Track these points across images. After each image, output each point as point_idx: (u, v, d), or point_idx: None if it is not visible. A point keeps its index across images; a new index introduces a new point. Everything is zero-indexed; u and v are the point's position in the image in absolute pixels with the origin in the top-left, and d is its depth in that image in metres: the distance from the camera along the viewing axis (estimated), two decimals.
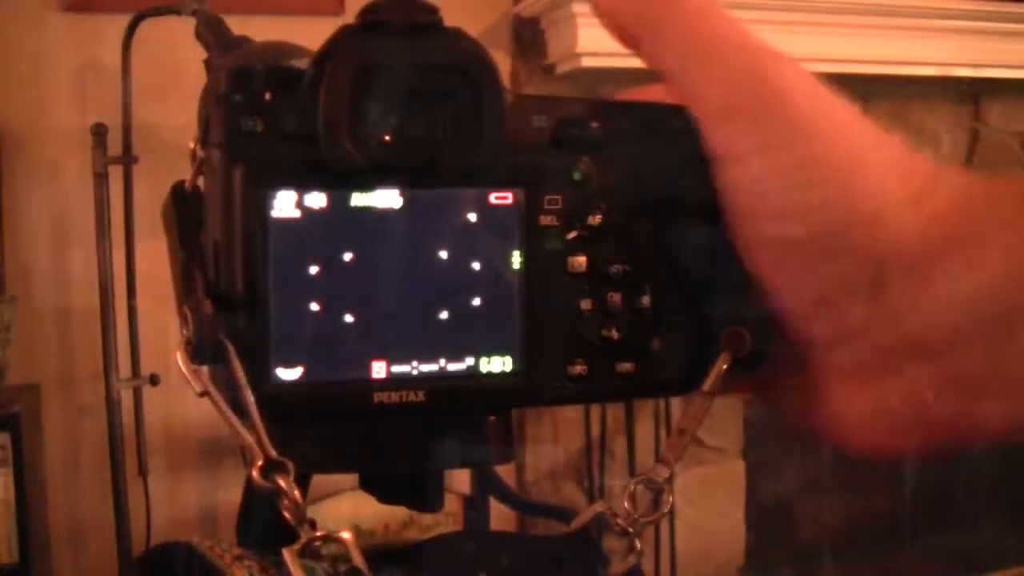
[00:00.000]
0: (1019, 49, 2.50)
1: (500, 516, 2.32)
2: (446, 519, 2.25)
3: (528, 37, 2.24)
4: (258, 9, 1.82)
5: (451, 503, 2.25)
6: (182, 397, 1.80)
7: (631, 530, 0.31)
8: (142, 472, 1.92)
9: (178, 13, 1.67)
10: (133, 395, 1.91)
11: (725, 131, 0.28)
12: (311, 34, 0.36)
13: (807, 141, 0.27)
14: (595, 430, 2.33)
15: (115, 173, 1.84)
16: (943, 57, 2.43)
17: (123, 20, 1.82)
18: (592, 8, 0.30)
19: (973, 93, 2.67)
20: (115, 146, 1.83)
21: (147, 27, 1.80)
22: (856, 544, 2.92)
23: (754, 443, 2.66)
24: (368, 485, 0.32)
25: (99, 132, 1.80)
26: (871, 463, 2.52)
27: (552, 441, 2.43)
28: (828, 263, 0.27)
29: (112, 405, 1.85)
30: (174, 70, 1.63)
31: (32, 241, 2.00)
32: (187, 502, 2.06)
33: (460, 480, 2.25)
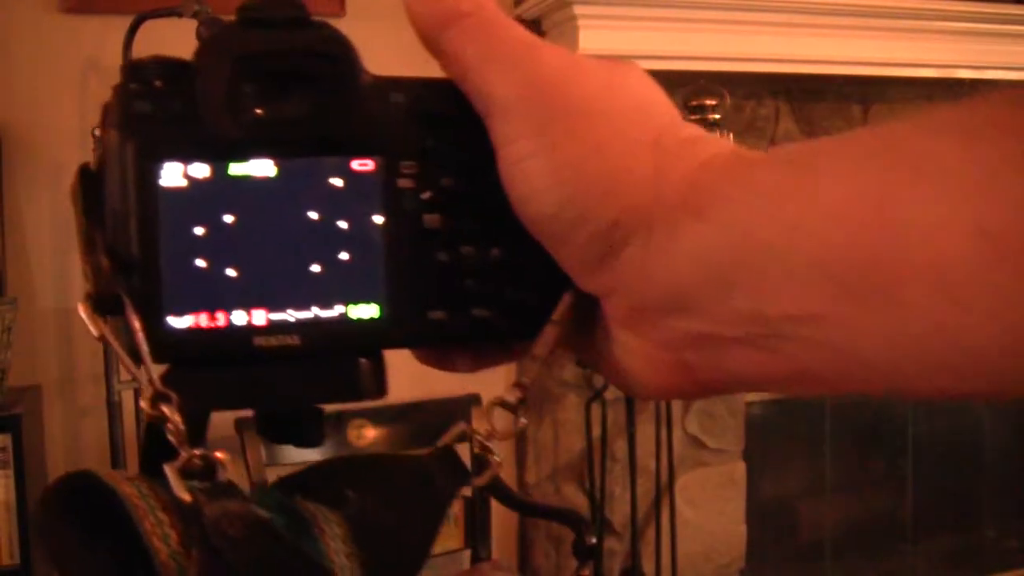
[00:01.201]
0: (1020, 51, 2.50)
1: (501, 516, 2.32)
2: (447, 520, 2.25)
3: None
4: None
5: (453, 504, 2.25)
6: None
7: (489, 445, 0.35)
8: None
9: (179, 15, 1.68)
10: (134, 396, 1.91)
11: (501, 121, 0.32)
12: None
13: (565, 131, 0.31)
14: (596, 431, 2.33)
15: None
16: (944, 59, 2.44)
17: (124, 21, 1.82)
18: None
19: (974, 94, 2.67)
20: None
21: (148, 28, 1.80)
22: (857, 545, 2.92)
23: (755, 444, 2.66)
24: (261, 429, 0.36)
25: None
26: (864, 464, 2.50)
27: (553, 442, 2.43)
28: (578, 232, 0.31)
29: (113, 407, 1.86)
30: None
31: (33, 243, 2.00)
32: None
33: None
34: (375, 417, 2.06)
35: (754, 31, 2.27)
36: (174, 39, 1.50)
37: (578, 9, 2.10)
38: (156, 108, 0.32)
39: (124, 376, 1.86)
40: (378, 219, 0.34)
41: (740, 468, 2.63)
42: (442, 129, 0.34)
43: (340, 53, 0.33)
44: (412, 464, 0.36)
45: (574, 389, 2.39)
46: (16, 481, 1.74)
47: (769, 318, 0.28)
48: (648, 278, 0.30)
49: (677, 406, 2.47)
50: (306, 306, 0.34)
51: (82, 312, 0.32)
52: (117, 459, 1.84)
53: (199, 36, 1.45)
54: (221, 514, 0.29)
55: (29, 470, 1.78)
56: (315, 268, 0.34)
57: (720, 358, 0.30)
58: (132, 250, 0.32)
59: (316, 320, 0.34)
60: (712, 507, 2.58)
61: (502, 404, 0.35)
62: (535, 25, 2.26)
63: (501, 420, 0.35)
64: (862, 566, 2.93)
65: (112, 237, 0.33)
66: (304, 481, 0.34)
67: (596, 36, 2.12)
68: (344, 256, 0.34)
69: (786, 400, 2.76)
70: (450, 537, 2.23)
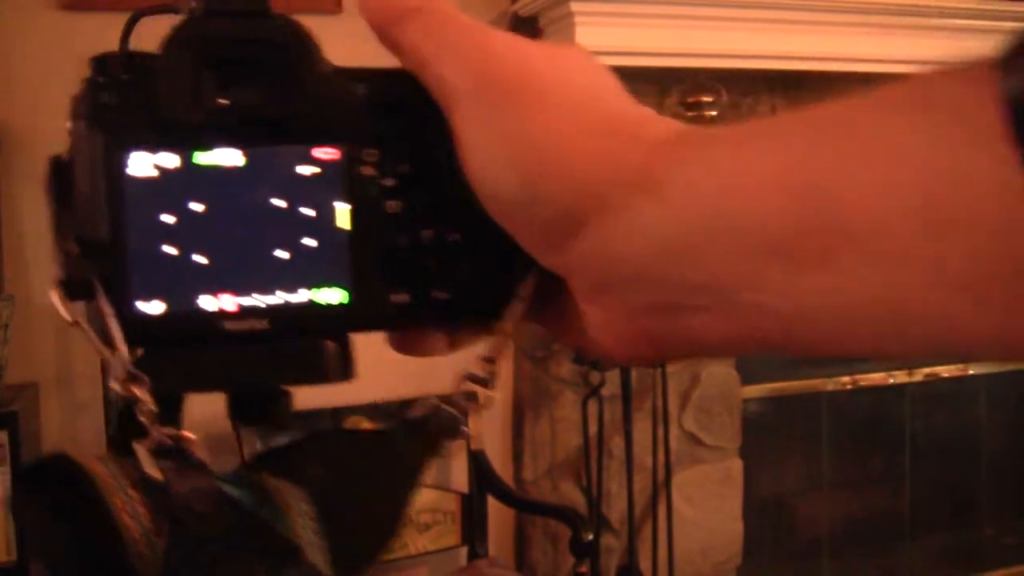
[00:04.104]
0: None
1: (498, 513, 2.33)
2: (444, 518, 2.25)
3: (526, 35, 2.24)
4: None
5: (449, 501, 2.25)
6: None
7: (461, 418, 0.36)
8: None
9: (176, 12, 1.68)
10: None
11: (459, 109, 0.33)
12: None
13: (519, 116, 0.32)
14: (592, 428, 2.34)
15: None
16: (943, 56, 2.42)
17: (122, 18, 1.81)
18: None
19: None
20: None
21: (145, 26, 1.80)
22: (854, 542, 2.93)
23: (752, 441, 2.66)
24: (232, 412, 0.37)
25: None
26: (863, 462, 2.51)
27: (550, 439, 2.43)
28: (535, 215, 0.32)
29: (109, 404, 1.85)
30: None
31: (31, 240, 2.00)
32: None
33: (458, 479, 2.25)
34: (371, 413, 2.06)
35: (751, 28, 2.27)
36: None
37: (575, 6, 2.10)
38: (122, 99, 0.34)
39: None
40: (342, 206, 0.35)
41: (737, 465, 2.63)
42: (401, 117, 0.35)
43: (295, 42, 0.34)
44: (378, 438, 0.37)
45: (571, 386, 2.40)
46: (12, 478, 1.74)
47: (721, 286, 0.29)
48: (607, 257, 0.31)
49: (674, 403, 2.47)
50: (274, 291, 0.34)
51: (54, 297, 0.32)
52: None
53: None
54: (189, 491, 0.30)
55: None
56: (282, 254, 0.34)
57: (680, 326, 0.31)
58: (102, 237, 0.33)
59: (284, 305, 0.34)
60: (709, 504, 2.58)
61: (471, 377, 0.36)
62: (531, 22, 2.26)
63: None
64: (859, 563, 2.93)
65: (82, 225, 0.33)
66: (272, 459, 0.35)
67: (593, 33, 2.12)
68: (310, 242, 0.35)
69: (783, 397, 2.77)
70: (447, 534, 2.24)
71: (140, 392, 0.32)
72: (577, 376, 2.39)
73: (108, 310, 0.32)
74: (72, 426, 2.03)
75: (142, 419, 0.31)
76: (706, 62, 2.26)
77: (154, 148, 0.33)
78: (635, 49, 2.11)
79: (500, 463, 2.38)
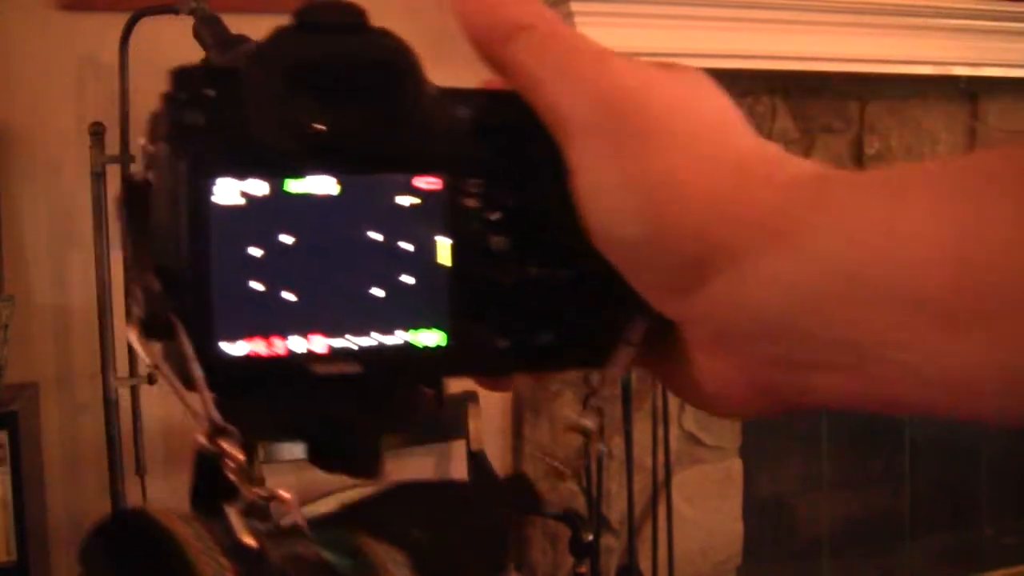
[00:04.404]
0: (1018, 48, 2.50)
1: None
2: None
3: None
4: (256, 8, 1.82)
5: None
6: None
7: (565, 471, 0.33)
8: (139, 471, 1.92)
9: (176, 12, 1.68)
10: (131, 394, 1.91)
11: (577, 142, 0.30)
12: None
13: (645, 155, 0.29)
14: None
15: (113, 172, 1.84)
16: (941, 56, 2.44)
17: (121, 19, 1.82)
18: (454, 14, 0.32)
19: (971, 92, 2.67)
20: (113, 145, 1.83)
21: (145, 26, 1.80)
22: (854, 542, 2.93)
23: (752, 441, 2.66)
24: (313, 456, 0.34)
25: (97, 131, 1.80)
26: (865, 462, 2.50)
27: (550, 439, 2.43)
28: (658, 261, 0.30)
29: (110, 404, 1.85)
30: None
31: (31, 240, 2.00)
32: (184, 500, 2.05)
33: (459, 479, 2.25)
34: None
35: (751, 28, 2.27)
36: (171, 36, 1.50)
37: (575, 6, 2.10)
38: (208, 119, 0.30)
39: (121, 373, 1.86)
40: (443, 240, 0.32)
41: (737, 465, 2.63)
42: (508, 144, 0.33)
43: (401, 62, 0.31)
44: (480, 497, 0.35)
45: (570, 386, 2.39)
46: (13, 478, 1.74)
47: (858, 343, 0.27)
48: (734, 306, 0.29)
49: (673, 403, 2.47)
50: (367, 332, 0.32)
51: (132, 338, 0.30)
52: (114, 456, 1.84)
53: (196, 33, 1.45)
54: (287, 559, 0.28)
55: (26, 467, 1.78)
56: (378, 292, 0.32)
57: (805, 380, 0.29)
58: (183, 271, 0.30)
59: (378, 347, 0.32)
60: (709, 504, 2.58)
61: (580, 431, 0.34)
62: None
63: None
64: (859, 563, 2.93)
65: (162, 256, 0.30)
66: (366, 517, 0.32)
67: (592, 33, 2.09)
68: (408, 280, 0.32)
69: None
70: None
71: (229, 447, 0.29)
72: (576, 376, 2.38)
73: (190, 352, 0.29)
74: (72, 426, 2.03)
75: (231, 476, 0.29)
76: (706, 62, 2.24)
77: (242, 174, 0.30)
78: (635, 49, 2.11)
79: (500, 464, 2.38)
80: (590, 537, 2.06)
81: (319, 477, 0.36)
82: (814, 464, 2.86)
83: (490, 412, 2.29)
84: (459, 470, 2.24)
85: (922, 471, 2.95)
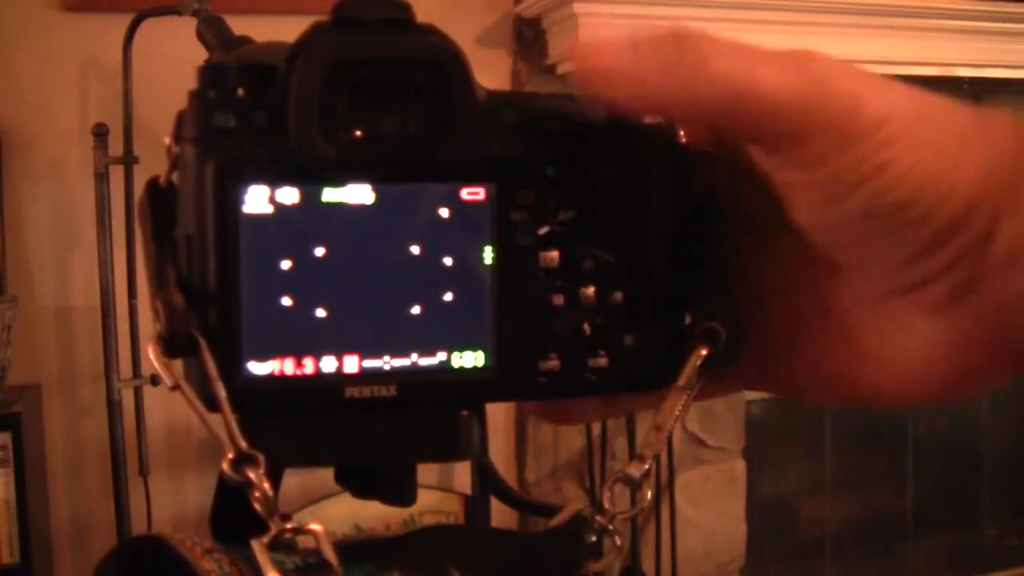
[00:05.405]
0: (1020, 49, 2.50)
1: (501, 515, 2.32)
2: (447, 519, 2.25)
3: (529, 37, 2.24)
4: (259, 9, 1.82)
5: (452, 503, 2.25)
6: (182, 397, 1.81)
7: (611, 527, 0.32)
8: (143, 472, 1.92)
9: (179, 13, 1.68)
10: (134, 395, 1.91)
11: (800, 146, 0.28)
12: None
13: (878, 141, 0.28)
14: (596, 429, 2.33)
15: (116, 173, 1.84)
16: (944, 57, 2.43)
17: (124, 20, 1.82)
18: (577, 69, 0.30)
19: (974, 93, 2.67)
20: (116, 146, 1.83)
21: (148, 27, 1.80)
22: (857, 543, 2.92)
23: (755, 442, 2.66)
24: (343, 480, 0.32)
25: (100, 132, 1.80)
26: (876, 458, 2.49)
27: (553, 441, 2.43)
28: (909, 233, 0.28)
29: (113, 405, 1.85)
30: (175, 70, 1.63)
31: (33, 241, 2.00)
32: (188, 502, 2.06)
33: (461, 480, 2.25)
34: None
35: (751, 28, 2.27)
36: (174, 37, 1.50)
37: (578, 7, 2.10)
38: (239, 122, 0.28)
39: (124, 374, 1.86)
40: (488, 255, 0.30)
41: (740, 466, 2.63)
42: (562, 153, 0.30)
43: (450, 62, 0.29)
44: (523, 544, 0.33)
45: None
46: (16, 479, 1.74)
47: None
48: (992, 255, 0.28)
49: None
50: (404, 352, 0.30)
51: (152, 356, 0.28)
52: (117, 457, 1.84)
53: (199, 35, 1.45)
54: None
55: (29, 469, 1.78)
56: (415, 309, 0.30)
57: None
58: (209, 284, 0.28)
59: (415, 368, 0.30)
60: (712, 505, 2.58)
61: (624, 480, 0.32)
62: (535, 23, 2.25)
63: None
64: (862, 564, 2.93)
65: (186, 268, 0.28)
66: (402, 555, 0.30)
67: (595, 34, 2.11)
68: (448, 296, 0.30)
69: (786, 399, 2.76)
70: None
71: (256, 476, 0.27)
72: None
73: (214, 371, 0.27)
74: (75, 428, 2.02)
75: (257, 507, 0.27)
76: None
77: (275, 182, 0.28)
78: None
79: (503, 465, 2.38)
80: (593, 538, 2.05)
81: (325, 476, 0.35)
82: (817, 465, 2.86)
83: (492, 412, 2.28)
84: (462, 471, 2.24)
85: (925, 472, 2.95)
